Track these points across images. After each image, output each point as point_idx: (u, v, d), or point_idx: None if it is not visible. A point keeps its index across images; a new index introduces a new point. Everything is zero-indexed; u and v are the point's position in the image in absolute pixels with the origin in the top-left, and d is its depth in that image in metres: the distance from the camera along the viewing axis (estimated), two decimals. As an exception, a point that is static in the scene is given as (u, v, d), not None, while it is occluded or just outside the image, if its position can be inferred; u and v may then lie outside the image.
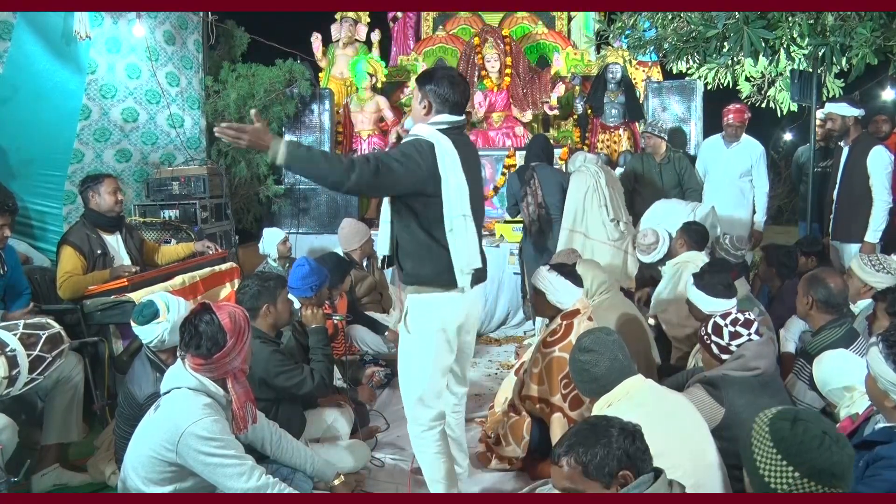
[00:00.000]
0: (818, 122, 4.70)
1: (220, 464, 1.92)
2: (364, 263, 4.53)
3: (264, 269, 4.48)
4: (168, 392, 2.04)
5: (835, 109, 4.17)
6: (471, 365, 2.59)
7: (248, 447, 2.31)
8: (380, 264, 2.40)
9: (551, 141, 6.31)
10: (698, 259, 3.59)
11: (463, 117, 2.30)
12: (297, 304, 3.00)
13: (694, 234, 3.75)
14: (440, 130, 2.21)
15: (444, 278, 2.21)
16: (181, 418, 1.93)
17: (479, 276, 2.30)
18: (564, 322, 2.77)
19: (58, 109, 4.32)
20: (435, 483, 2.44)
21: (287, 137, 6.04)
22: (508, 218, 5.24)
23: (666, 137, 5.18)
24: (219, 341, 1.98)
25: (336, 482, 2.45)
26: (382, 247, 2.33)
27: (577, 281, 2.81)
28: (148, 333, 2.51)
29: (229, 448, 1.95)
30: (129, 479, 2.02)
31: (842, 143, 4.28)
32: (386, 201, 2.30)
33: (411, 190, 2.15)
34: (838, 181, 4.25)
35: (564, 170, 5.20)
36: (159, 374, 2.48)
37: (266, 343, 2.64)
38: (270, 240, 4.62)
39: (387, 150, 2.25)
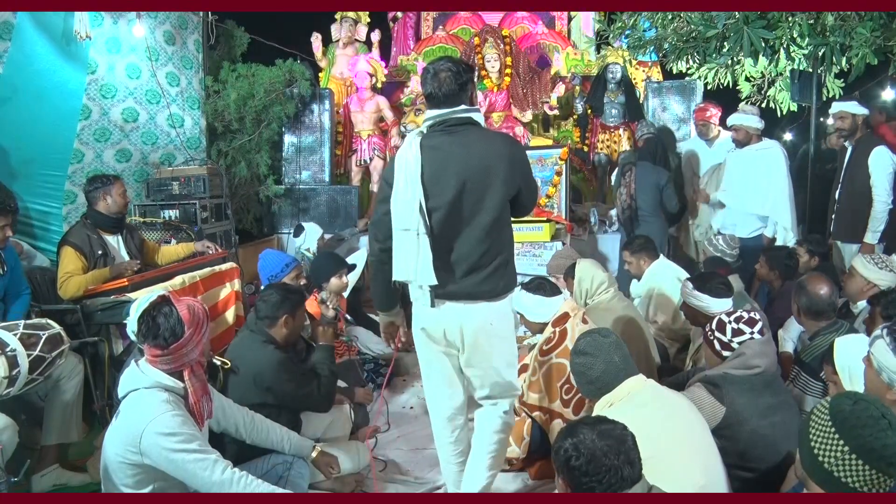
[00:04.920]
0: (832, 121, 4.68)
1: (183, 459, 1.90)
2: None
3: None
4: (125, 396, 2.02)
5: (846, 108, 4.12)
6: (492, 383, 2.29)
7: (223, 434, 2.31)
8: None
9: (551, 140, 6.36)
10: (667, 264, 3.85)
11: (443, 111, 2.08)
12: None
13: (649, 245, 3.93)
14: (426, 128, 2.13)
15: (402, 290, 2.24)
16: (139, 419, 1.91)
17: (449, 294, 2.11)
18: (557, 329, 2.79)
19: (58, 109, 4.32)
20: (446, 483, 2.50)
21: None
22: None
23: (656, 133, 5.24)
24: (176, 332, 1.97)
25: (314, 454, 2.44)
26: None
27: (549, 292, 2.85)
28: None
29: (191, 442, 1.93)
30: (107, 486, 2.00)
31: (846, 143, 4.27)
32: None
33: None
34: (841, 180, 4.25)
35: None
36: None
37: (279, 350, 2.66)
38: (312, 235, 4.63)
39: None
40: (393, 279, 2.15)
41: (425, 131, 2.12)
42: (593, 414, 1.99)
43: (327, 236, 5.60)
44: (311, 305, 3.48)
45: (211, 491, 1.93)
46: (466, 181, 2.04)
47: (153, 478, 1.98)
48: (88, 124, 4.52)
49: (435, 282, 2.06)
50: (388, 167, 2.16)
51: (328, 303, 3.40)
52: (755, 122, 4.38)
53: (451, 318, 2.15)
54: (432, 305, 2.12)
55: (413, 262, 2.05)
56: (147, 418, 1.90)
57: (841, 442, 1.39)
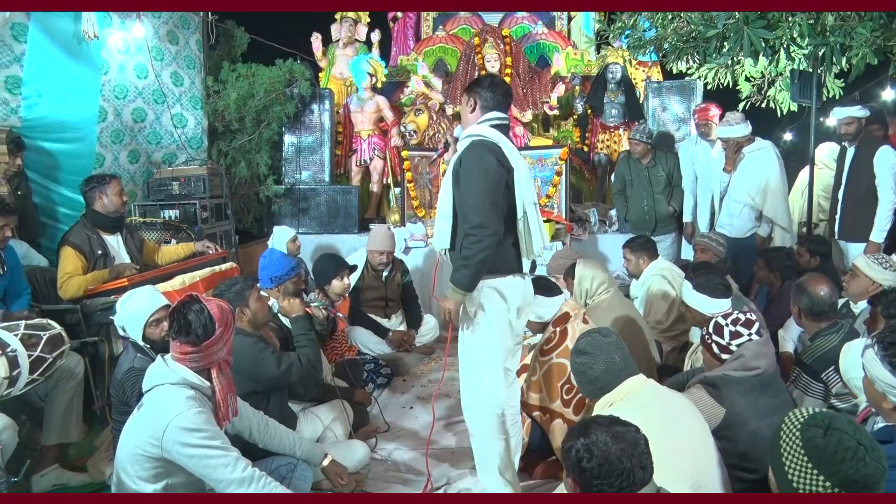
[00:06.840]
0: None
1: (206, 455, 1.91)
2: (384, 274, 4.53)
3: None
4: (150, 390, 2.03)
5: (851, 113, 4.15)
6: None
7: (237, 437, 2.30)
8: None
9: (551, 140, 6.35)
10: (665, 265, 3.85)
11: (504, 114, 2.47)
12: (274, 304, 2.98)
13: (649, 245, 3.95)
14: (491, 126, 2.41)
15: (512, 264, 2.42)
16: (164, 412, 1.92)
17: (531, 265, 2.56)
18: (557, 329, 2.79)
19: (80, 113, 4.29)
20: (492, 469, 2.50)
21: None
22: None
23: (651, 142, 5.22)
24: (208, 329, 1.99)
25: (326, 462, 2.44)
26: (442, 241, 2.46)
27: (549, 292, 2.85)
28: None
29: (214, 439, 1.94)
30: (120, 478, 2.01)
31: (846, 143, 4.28)
32: (444, 196, 2.42)
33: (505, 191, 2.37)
34: (844, 181, 4.26)
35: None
36: (139, 353, 2.53)
37: (248, 336, 2.63)
38: (280, 237, 4.63)
39: (474, 179, 2.32)
40: (535, 251, 2.42)
41: (489, 128, 2.40)
42: (593, 414, 1.99)
43: (316, 237, 5.61)
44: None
45: (229, 488, 1.94)
46: (526, 169, 2.48)
47: (169, 472, 1.98)
48: (105, 126, 4.49)
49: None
50: (491, 154, 2.33)
51: (318, 304, 3.40)
52: (742, 131, 4.41)
53: (528, 288, 2.55)
54: (523, 277, 2.48)
55: (541, 232, 2.43)
56: (172, 413, 1.91)
57: (822, 478, 1.36)
